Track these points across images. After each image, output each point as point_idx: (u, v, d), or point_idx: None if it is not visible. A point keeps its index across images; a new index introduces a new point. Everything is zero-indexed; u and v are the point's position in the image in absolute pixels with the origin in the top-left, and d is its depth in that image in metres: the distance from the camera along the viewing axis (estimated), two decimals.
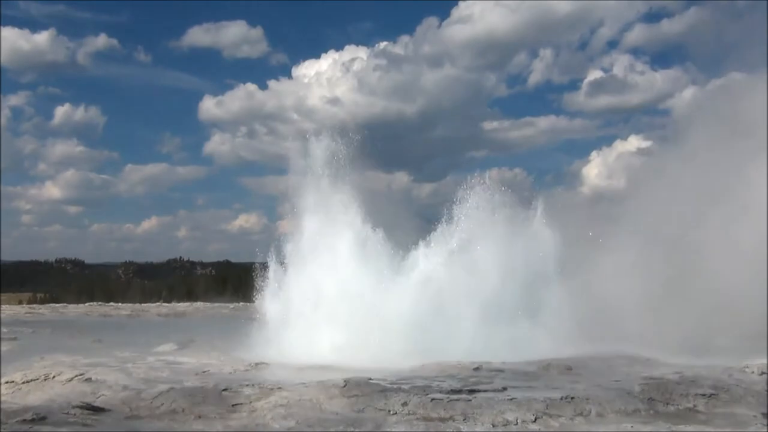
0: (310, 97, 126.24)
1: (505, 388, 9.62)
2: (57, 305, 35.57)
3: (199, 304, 36.49)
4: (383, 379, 10.08)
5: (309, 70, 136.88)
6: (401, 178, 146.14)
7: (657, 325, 14.65)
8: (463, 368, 11.84)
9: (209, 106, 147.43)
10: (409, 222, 17.82)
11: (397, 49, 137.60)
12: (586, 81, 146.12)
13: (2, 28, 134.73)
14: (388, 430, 8.16)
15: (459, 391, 9.26)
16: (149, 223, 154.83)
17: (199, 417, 8.64)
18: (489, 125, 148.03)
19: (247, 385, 9.76)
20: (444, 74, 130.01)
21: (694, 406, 9.30)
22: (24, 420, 7.95)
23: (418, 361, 12.45)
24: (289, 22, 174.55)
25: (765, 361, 11.20)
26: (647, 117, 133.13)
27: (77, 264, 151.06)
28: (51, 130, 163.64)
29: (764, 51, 18.03)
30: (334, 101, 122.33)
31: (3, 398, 9.49)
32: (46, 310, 30.52)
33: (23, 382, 10.49)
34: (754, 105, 17.13)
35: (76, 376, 10.61)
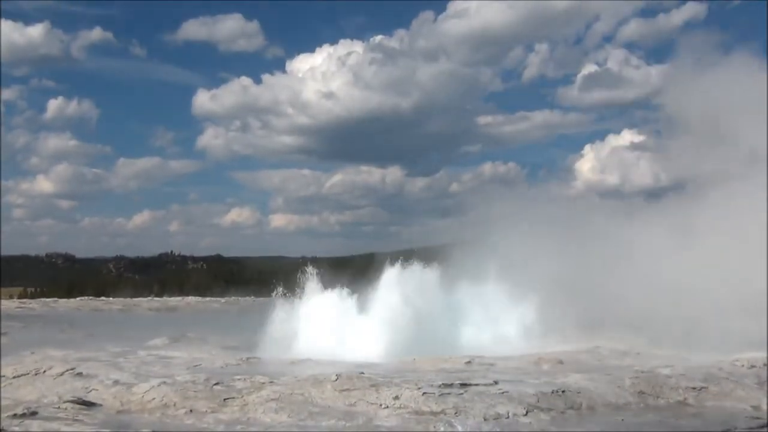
0: (305, 91, 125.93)
1: (496, 382, 9.62)
2: (48, 300, 35.41)
3: (190, 299, 36.45)
4: (375, 373, 10.08)
5: (303, 64, 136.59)
6: (395, 172, 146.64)
7: None
8: (455, 362, 11.87)
9: (203, 100, 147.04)
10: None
11: (393, 43, 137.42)
12: (580, 75, 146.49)
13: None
14: (380, 423, 8.18)
15: (450, 385, 9.26)
16: (141, 218, 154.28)
17: (191, 411, 8.63)
18: (483, 120, 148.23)
19: (239, 379, 9.75)
20: (439, 68, 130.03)
21: (685, 399, 9.35)
22: (15, 414, 7.93)
23: (410, 356, 12.49)
24: (285, 15, 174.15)
25: (754, 355, 11.27)
26: (641, 112, 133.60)
27: (68, 258, 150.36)
28: (44, 124, 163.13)
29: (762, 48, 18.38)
30: (329, 95, 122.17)
31: None
32: (37, 305, 30.41)
33: (14, 377, 10.47)
34: None
35: (67, 370, 10.58)
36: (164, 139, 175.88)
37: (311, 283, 16.55)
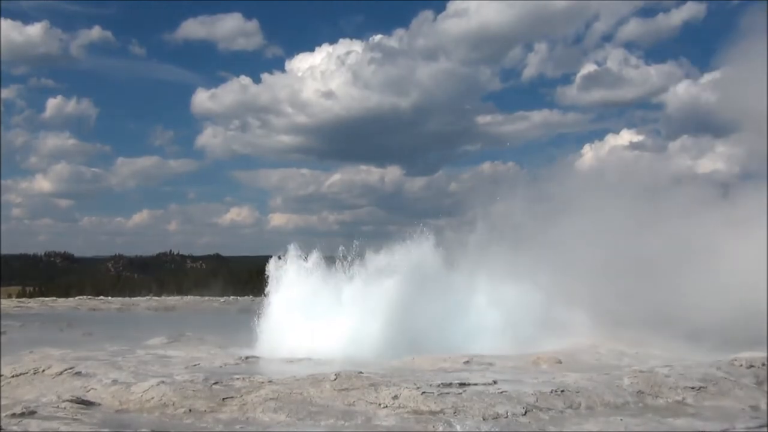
0: (304, 90, 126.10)
1: (495, 381, 9.63)
2: (46, 299, 35.45)
3: (189, 298, 36.43)
4: (374, 373, 10.08)
5: (303, 63, 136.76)
6: (394, 171, 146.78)
7: None
8: (454, 362, 11.87)
9: (202, 99, 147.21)
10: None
11: (392, 42, 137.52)
12: (579, 75, 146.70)
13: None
14: (379, 423, 8.18)
15: (449, 385, 9.27)
16: (140, 217, 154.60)
17: (190, 410, 8.62)
18: (483, 119, 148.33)
19: (238, 379, 9.75)
20: (438, 68, 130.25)
21: (683, 399, 9.35)
22: (14, 414, 7.92)
23: (408, 355, 12.49)
24: (284, 14, 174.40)
25: (753, 354, 11.26)
26: (640, 111, 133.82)
27: (67, 257, 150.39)
28: (43, 123, 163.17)
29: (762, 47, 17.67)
30: (329, 94, 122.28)
31: None
32: (35, 304, 30.43)
33: (13, 376, 10.45)
34: None
35: (66, 369, 10.58)
36: (163, 138, 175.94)
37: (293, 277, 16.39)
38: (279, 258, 16.57)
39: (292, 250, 16.55)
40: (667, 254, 16.18)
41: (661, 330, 14.24)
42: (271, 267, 16.40)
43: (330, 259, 16.49)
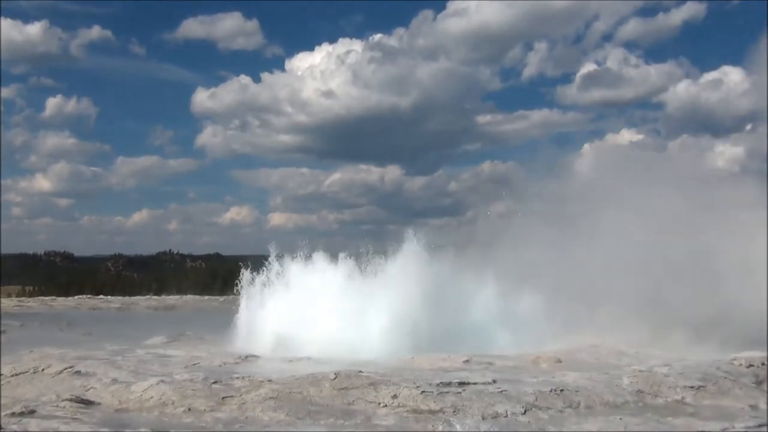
0: (304, 89, 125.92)
1: (494, 381, 9.64)
2: (46, 298, 35.39)
3: (188, 297, 36.37)
4: (374, 372, 10.08)
5: (302, 62, 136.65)
6: (394, 171, 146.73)
7: None
8: (454, 361, 11.86)
9: (202, 99, 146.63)
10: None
11: (392, 41, 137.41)
12: (579, 74, 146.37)
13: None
14: (378, 422, 8.18)
15: (449, 384, 9.27)
16: (140, 216, 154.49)
17: (189, 410, 8.62)
18: (483, 119, 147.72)
19: (237, 378, 9.75)
20: (438, 67, 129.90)
21: (683, 398, 9.36)
22: (13, 413, 7.92)
23: (408, 354, 12.49)
24: (284, 14, 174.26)
25: (752, 354, 11.27)
26: (640, 111, 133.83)
27: (66, 257, 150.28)
28: (42, 122, 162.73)
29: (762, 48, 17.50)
30: (328, 94, 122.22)
31: None
32: (35, 303, 30.36)
33: (12, 375, 10.46)
34: None
35: (66, 369, 10.58)
36: (163, 137, 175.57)
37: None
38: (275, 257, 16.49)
39: (273, 252, 16.47)
40: (683, 255, 15.78)
41: (681, 331, 14.05)
42: (245, 277, 16.33)
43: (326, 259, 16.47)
